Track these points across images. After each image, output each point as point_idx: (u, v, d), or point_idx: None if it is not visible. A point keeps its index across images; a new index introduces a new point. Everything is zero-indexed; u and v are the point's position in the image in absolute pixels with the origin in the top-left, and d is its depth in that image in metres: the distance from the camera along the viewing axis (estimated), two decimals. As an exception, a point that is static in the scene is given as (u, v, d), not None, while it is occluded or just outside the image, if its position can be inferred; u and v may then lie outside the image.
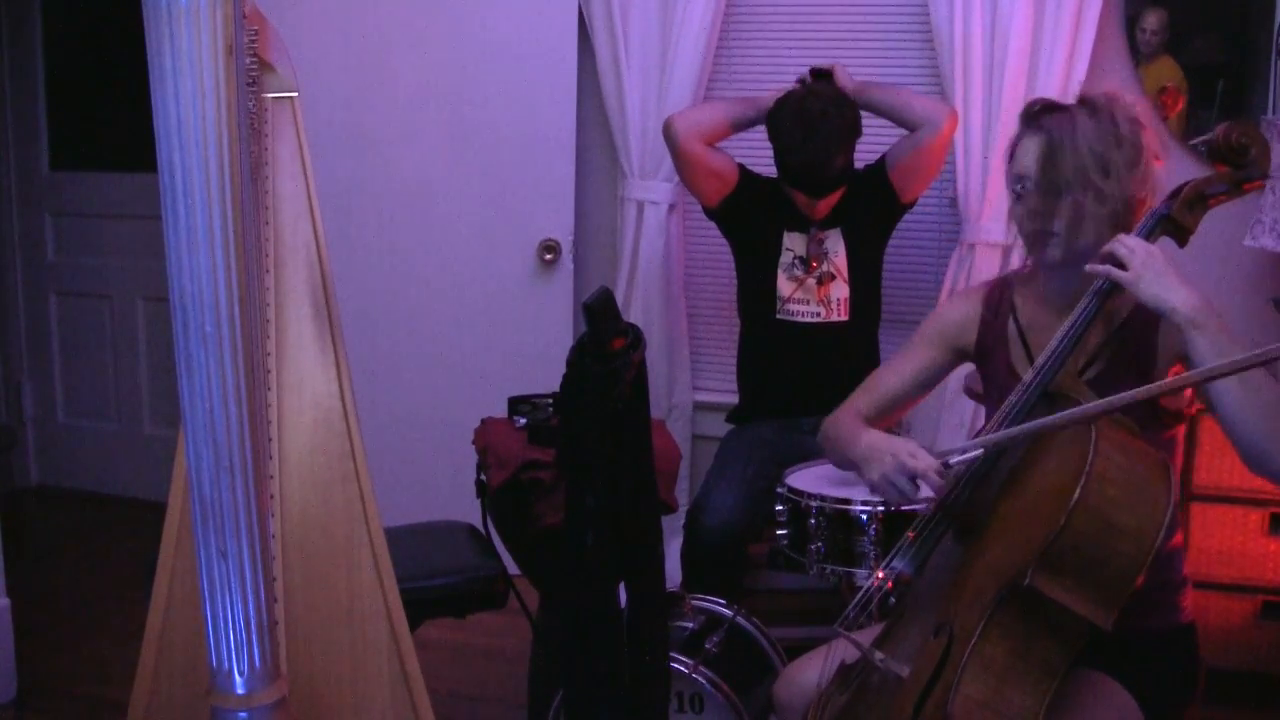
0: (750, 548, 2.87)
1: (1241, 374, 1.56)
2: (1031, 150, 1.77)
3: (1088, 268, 1.67)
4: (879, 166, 2.97)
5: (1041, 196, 1.76)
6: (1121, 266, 1.63)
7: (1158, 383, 1.52)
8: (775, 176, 2.99)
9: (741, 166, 3.03)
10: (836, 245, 2.97)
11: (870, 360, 3.04)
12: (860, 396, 2.05)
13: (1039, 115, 1.78)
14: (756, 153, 3.08)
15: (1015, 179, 1.81)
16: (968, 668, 1.50)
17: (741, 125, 3.00)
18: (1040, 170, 1.75)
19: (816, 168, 2.80)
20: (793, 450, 2.83)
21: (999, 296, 1.95)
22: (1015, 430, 1.63)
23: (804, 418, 2.94)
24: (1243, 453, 1.61)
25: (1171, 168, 2.91)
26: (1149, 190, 1.76)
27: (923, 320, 2.08)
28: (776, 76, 3.26)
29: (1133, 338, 1.76)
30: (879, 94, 2.95)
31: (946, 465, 1.71)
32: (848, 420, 2.00)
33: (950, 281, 3.22)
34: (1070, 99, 1.83)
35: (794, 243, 2.97)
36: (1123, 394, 1.49)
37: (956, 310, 2.01)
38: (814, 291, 2.96)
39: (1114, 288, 1.66)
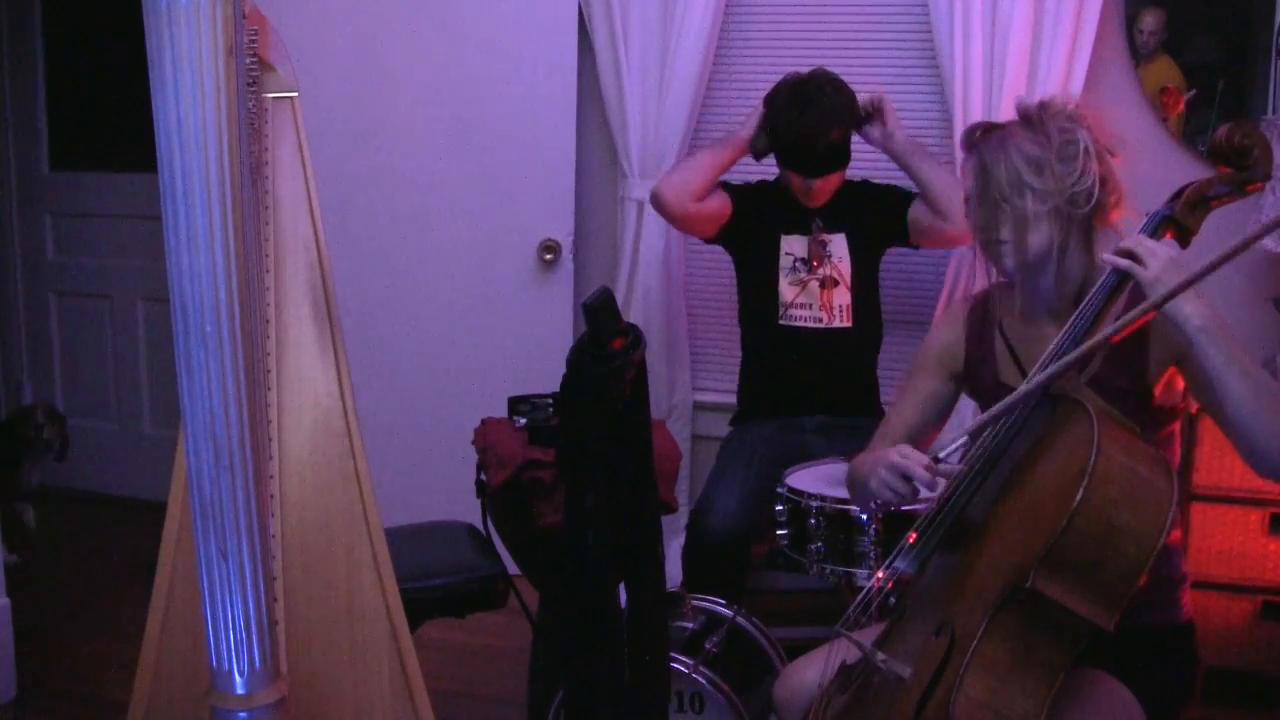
0: (751, 555, 2.87)
1: (1245, 372, 1.58)
2: (970, 172, 1.84)
3: (1105, 257, 1.67)
4: (903, 199, 2.95)
5: (985, 210, 1.81)
6: (1140, 264, 1.63)
7: (1115, 323, 1.56)
8: (764, 181, 2.99)
9: (733, 193, 3.00)
10: (841, 250, 2.95)
11: (873, 366, 3.06)
12: (878, 441, 2.04)
13: (976, 139, 1.84)
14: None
15: (965, 201, 1.88)
16: (969, 668, 1.50)
17: (725, 167, 2.95)
18: (979, 187, 1.81)
19: (812, 139, 2.80)
20: (795, 449, 2.84)
21: (982, 312, 1.96)
22: (993, 410, 1.66)
23: (806, 416, 2.95)
24: (1248, 456, 1.62)
25: (1170, 168, 2.94)
26: (1098, 181, 1.76)
27: (917, 349, 2.09)
28: (776, 76, 3.25)
29: (1126, 340, 1.76)
30: (925, 160, 2.89)
31: (937, 460, 1.72)
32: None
33: (950, 281, 3.22)
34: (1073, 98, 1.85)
35: (792, 245, 2.96)
36: (1080, 348, 1.57)
37: (942, 336, 2.02)
38: (816, 296, 2.94)
39: (1120, 284, 1.67)
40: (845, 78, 3.09)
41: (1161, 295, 1.55)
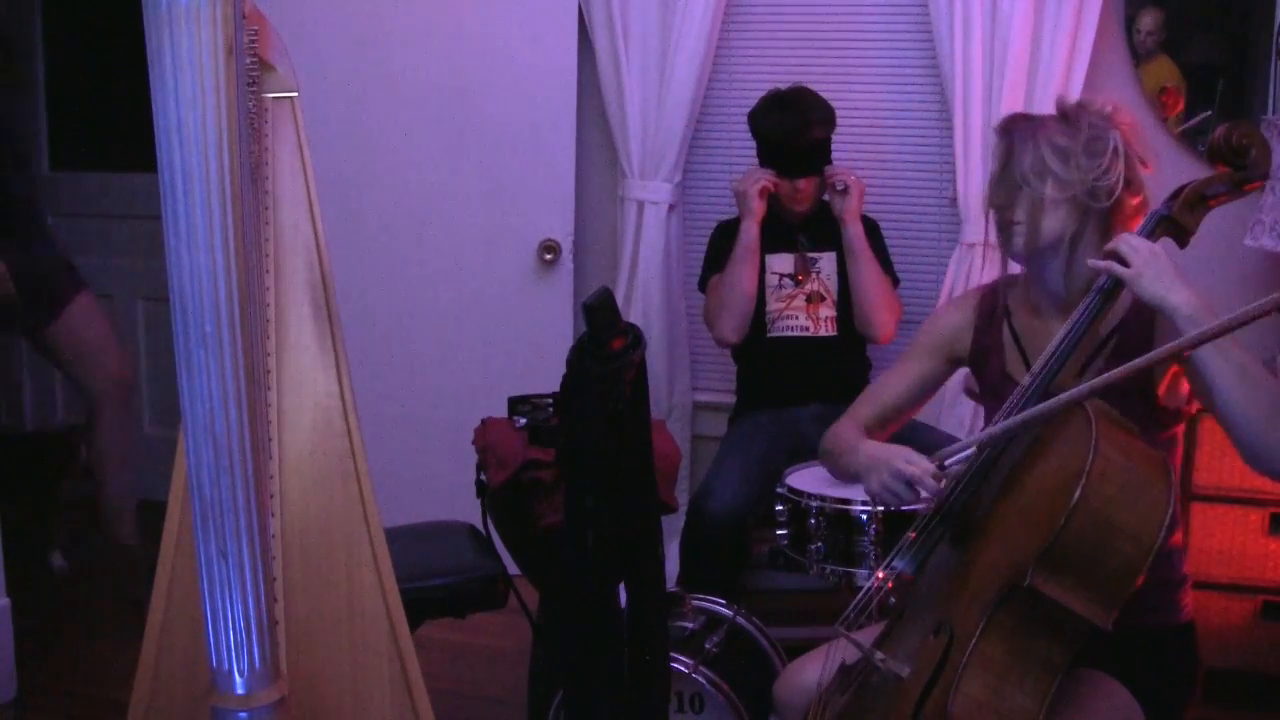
0: (751, 547, 2.89)
1: (1233, 362, 1.59)
2: (997, 154, 1.86)
3: (1090, 262, 1.69)
4: (874, 230, 3.06)
5: (1005, 190, 1.83)
6: (1124, 264, 1.64)
7: (1144, 357, 1.56)
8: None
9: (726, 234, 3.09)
10: (830, 269, 3.04)
11: (861, 366, 3.13)
12: (860, 408, 2.06)
13: (1010, 124, 1.86)
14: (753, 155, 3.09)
15: (989, 184, 1.89)
16: (968, 667, 1.50)
17: (757, 267, 2.99)
18: (1001, 167, 1.83)
19: (796, 134, 2.91)
20: (793, 439, 2.92)
21: (993, 302, 1.96)
22: (1006, 424, 1.65)
23: (801, 408, 2.99)
24: (1243, 451, 1.62)
25: (1170, 168, 2.94)
26: (1123, 182, 1.77)
27: (920, 327, 2.10)
28: (776, 76, 3.27)
29: (1130, 339, 1.77)
30: (866, 265, 2.95)
31: (943, 467, 1.73)
32: (847, 433, 2.01)
33: (950, 281, 3.23)
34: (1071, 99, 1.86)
35: (777, 264, 3.05)
36: (1109, 374, 1.55)
37: (950, 318, 2.03)
38: (802, 309, 3.04)
39: (1115, 287, 1.67)
40: (845, 78, 3.15)
41: (1190, 340, 1.54)
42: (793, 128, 2.92)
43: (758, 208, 2.96)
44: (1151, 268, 1.61)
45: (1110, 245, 1.68)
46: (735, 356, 3.18)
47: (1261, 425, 1.59)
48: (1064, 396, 1.58)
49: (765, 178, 2.96)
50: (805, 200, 3.00)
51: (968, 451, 1.72)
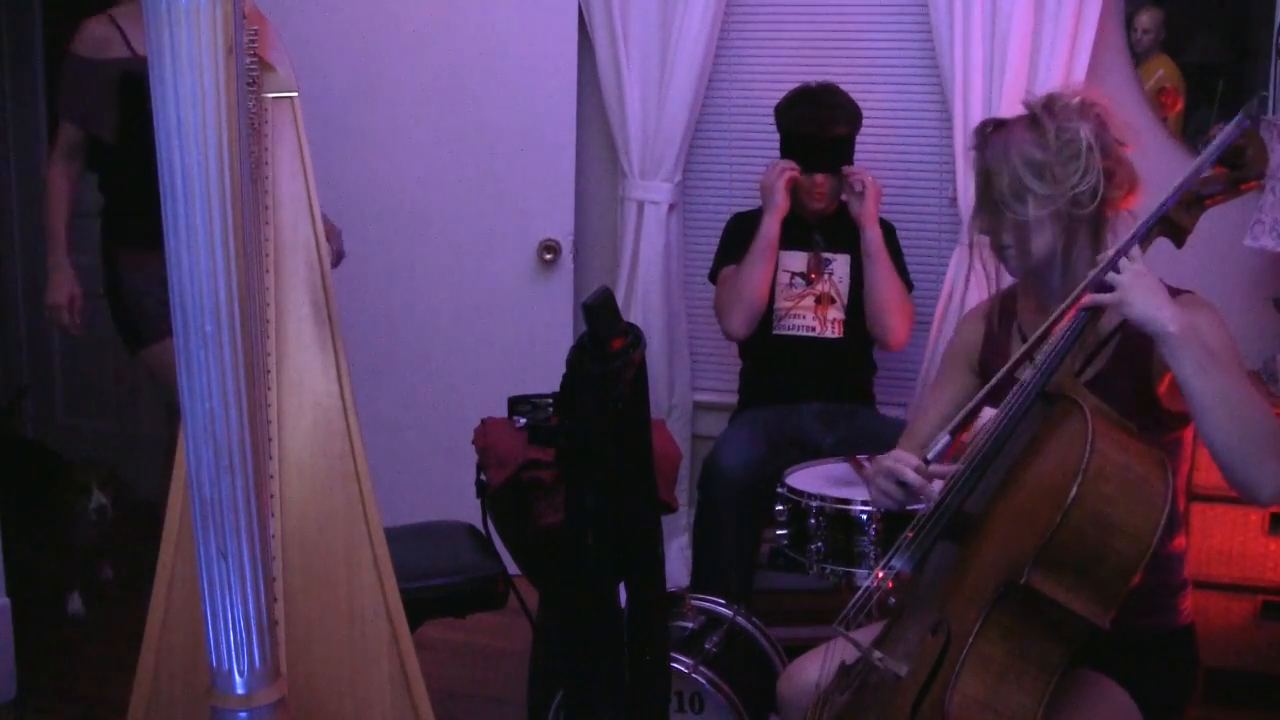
0: (749, 548, 2.89)
1: (1224, 398, 1.56)
2: (976, 172, 1.84)
3: (1082, 303, 1.67)
4: (891, 233, 3.06)
5: (988, 216, 1.82)
6: (1108, 289, 1.62)
7: (1075, 291, 1.64)
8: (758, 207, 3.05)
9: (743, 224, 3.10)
10: (843, 271, 3.05)
11: (866, 369, 3.15)
12: (904, 441, 2.04)
13: (983, 139, 1.83)
14: (763, 152, 3.09)
15: (973, 205, 1.88)
16: (965, 666, 1.50)
17: (773, 264, 2.99)
18: (980, 191, 1.82)
19: (821, 128, 2.92)
20: (795, 431, 2.98)
21: (1001, 307, 1.97)
22: (969, 406, 1.70)
23: (804, 404, 3.00)
24: (1224, 475, 1.62)
25: (1169, 167, 2.95)
26: (1103, 178, 1.74)
27: (941, 352, 2.11)
28: (776, 76, 3.28)
29: (1131, 338, 1.76)
30: (882, 267, 2.95)
31: (926, 462, 1.73)
32: None
33: (950, 281, 3.23)
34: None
35: (790, 262, 3.05)
36: (1059, 344, 1.63)
37: (964, 332, 2.04)
38: (811, 308, 3.04)
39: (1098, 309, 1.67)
40: (845, 78, 3.16)
41: (1107, 260, 1.61)
42: (815, 121, 2.94)
43: (782, 202, 2.95)
44: (1137, 289, 1.59)
45: (1092, 291, 1.65)
46: (740, 354, 3.19)
47: (1239, 457, 1.57)
48: (1001, 371, 1.65)
49: (790, 168, 2.96)
50: (821, 197, 2.99)
51: (944, 440, 1.72)
